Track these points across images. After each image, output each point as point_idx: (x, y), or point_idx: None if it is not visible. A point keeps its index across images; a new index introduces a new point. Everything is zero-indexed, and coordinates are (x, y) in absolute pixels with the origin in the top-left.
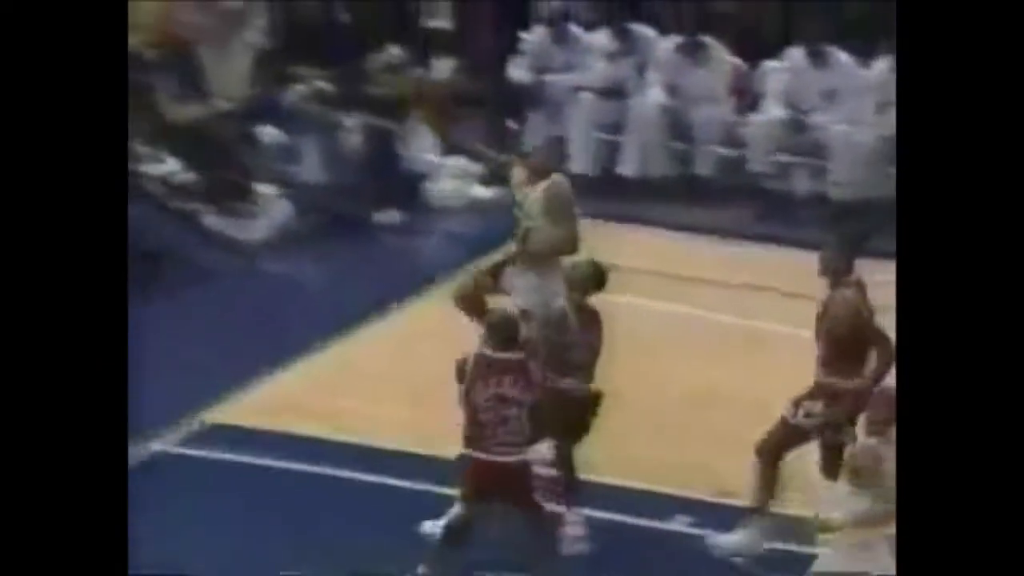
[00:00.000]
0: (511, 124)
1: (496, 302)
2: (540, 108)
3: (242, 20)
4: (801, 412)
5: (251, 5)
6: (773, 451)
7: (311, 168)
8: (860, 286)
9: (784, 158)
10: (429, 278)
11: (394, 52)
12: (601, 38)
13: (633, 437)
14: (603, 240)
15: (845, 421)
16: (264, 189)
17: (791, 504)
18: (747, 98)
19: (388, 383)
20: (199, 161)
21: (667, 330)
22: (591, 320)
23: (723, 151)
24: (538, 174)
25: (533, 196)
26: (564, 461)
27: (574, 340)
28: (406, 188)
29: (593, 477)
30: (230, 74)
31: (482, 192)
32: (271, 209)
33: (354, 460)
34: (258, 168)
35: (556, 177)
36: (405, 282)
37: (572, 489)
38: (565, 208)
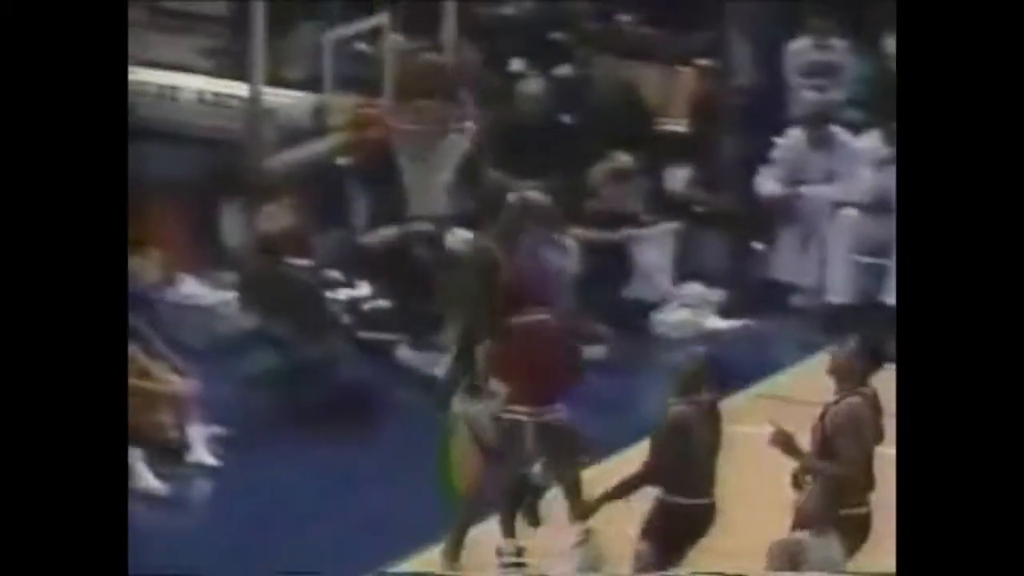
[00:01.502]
0: (758, 245)
1: None
2: (793, 226)
3: (448, 123)
4: None
5: (460, 106)
6: None
7: None
8: (874, 400)
9: None
10: (645, 423)
11: (623, 159)
12: (869, 142)
13: None
14: None
15: None
16: None
17: None
18: None
19: None
20: (393, 285)
21: None
22: (712, 417)
23: None
24: None
25: None
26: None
27: (694, 443)
28: (628, 317)
29: None
30: (432, 185)
31: (719, 323)
32: None
33: None
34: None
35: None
36: (618, 429)
37: None
38: None
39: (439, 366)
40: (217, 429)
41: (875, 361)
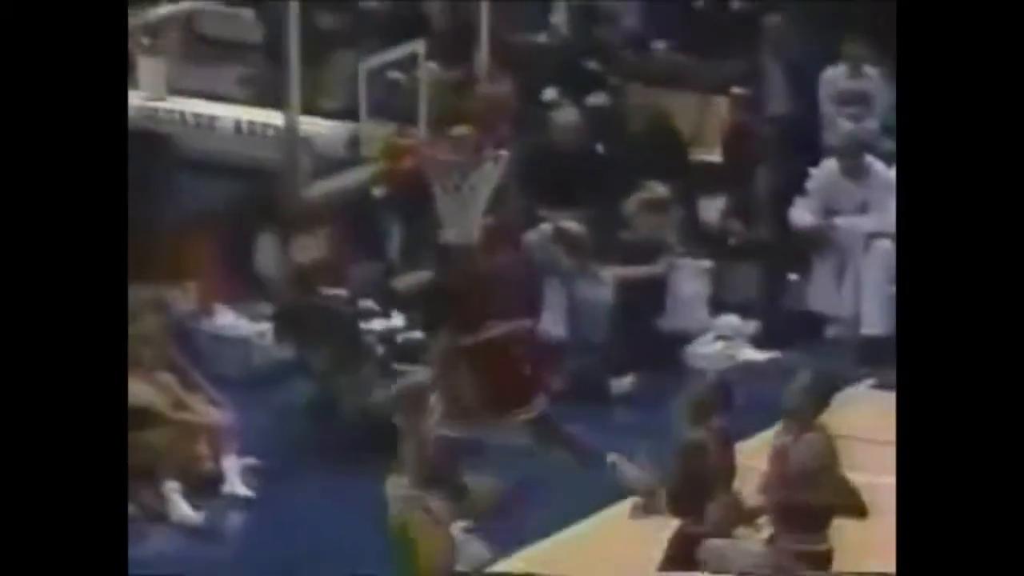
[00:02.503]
0: (792, 277)
1: None
2: (828, 257)
3: (482, 152)
4: None
5: (494, 136)
6: None
7: (553, 323)
8: (827, 433)
9: None
10: None
11: (657, 189)
12: None
13: None
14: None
15: None
16: None
17: None
18: None
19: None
20: (427, 317)
21: None
22: (726, 445)
23: None
24: None
25: None
26: None
27: (709, 470)
28: (661, 349)
29: None
30: (466, 214)
31: (753, 354)
32: None
33: None
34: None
35: None
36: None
37: None
38: None
39: None
40: (252, 460)
41: (825, 400)
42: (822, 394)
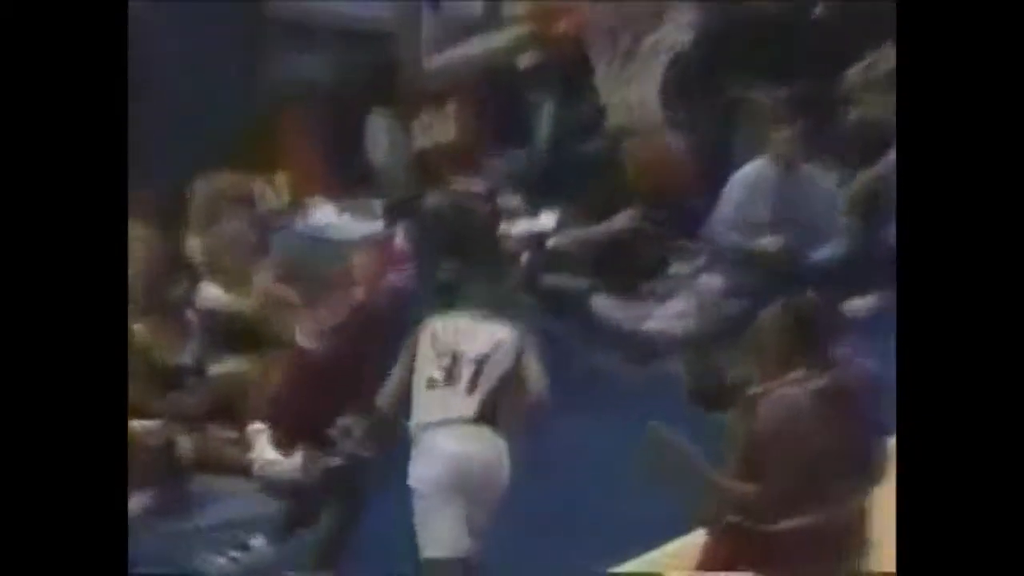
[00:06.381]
0: None
1: None
2: None
3: (659, 13)
4: None
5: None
6: None
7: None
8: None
9: None
10: None
11: (880, 65)
12: None
13: None
14: None
15: None
16: (678, 266)
17: None
18: None
19: None
20: (586, 214)
21: None
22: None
23: None
24: None
25: None
26: None
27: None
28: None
29: None
30: (633, 89)
31: None
32: (681, 291)
33: None
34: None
35: None
36: None
37: None
38: None
39: (649, 320)
40: None
41: (812, 334)
42: (807, 328)
